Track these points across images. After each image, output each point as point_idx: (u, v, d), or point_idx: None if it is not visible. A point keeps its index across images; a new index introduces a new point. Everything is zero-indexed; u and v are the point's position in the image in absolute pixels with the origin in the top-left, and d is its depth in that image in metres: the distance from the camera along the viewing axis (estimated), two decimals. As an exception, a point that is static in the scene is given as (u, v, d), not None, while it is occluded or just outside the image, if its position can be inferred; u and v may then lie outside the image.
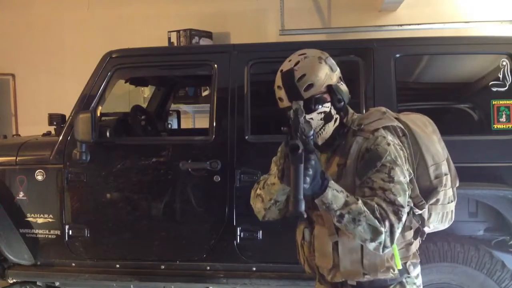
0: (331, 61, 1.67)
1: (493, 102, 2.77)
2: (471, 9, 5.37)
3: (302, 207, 1.36)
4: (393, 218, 1.51)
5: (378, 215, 1.50)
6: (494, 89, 2.79)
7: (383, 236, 1.50)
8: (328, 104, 1.63)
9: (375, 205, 1.51)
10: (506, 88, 2.78)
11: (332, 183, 1.49)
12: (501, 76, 2.79)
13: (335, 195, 1.48)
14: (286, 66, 1.66)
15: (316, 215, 1.68)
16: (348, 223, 1.49)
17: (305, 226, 1.74)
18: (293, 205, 1.37)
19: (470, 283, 2.64)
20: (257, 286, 2.92)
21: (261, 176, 2.77)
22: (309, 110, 1.60)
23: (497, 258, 2.66)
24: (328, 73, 1.63)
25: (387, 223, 1.50)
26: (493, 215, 2.90)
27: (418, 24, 5.19)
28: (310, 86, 1.60)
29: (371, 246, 1.52)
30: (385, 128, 1.67)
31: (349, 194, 1.52)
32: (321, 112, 1.62)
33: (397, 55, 2.85)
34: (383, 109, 1.78)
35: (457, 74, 3.05)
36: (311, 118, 1.60)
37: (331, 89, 1.63)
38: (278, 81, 1.65)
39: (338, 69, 1.68)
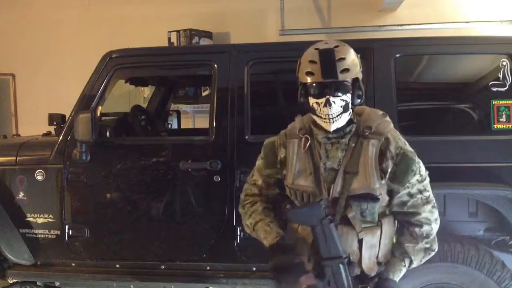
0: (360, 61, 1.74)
1: (493, 102, 2.77)
2: (471, 9, 5.37)
3: None
4: (434, 216, 1.78)
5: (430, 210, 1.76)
6: (494, 89, 2.79)
7: (434, 219, 1.78)
8: (350, 95, 1.67)
9: (423, 226, 1.76)
10: (506, 88, 2.77)
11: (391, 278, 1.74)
12: (501, 76, 2.78)
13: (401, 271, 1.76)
14: (323, 45, 1.68)
15: (338, 214, 1.71)
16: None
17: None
18: None
19: (470, 283, 2.63)
20: (257, 286, 2.92)
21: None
22: (337, 94, 1.63)
23: (497, 258, 2.65)
24: (359, 69, 1.69)
25: (433, 227, 1.78)
26: (493, 215, 2.90)
27: (418, 24, 5.19)
28: (346, 70, 1.64)
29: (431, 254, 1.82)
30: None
31: (406, 254, 1.77)
32: (343, 100, 1.65)
33: (397, 55, 2.85)
34: (379, 111, 1.84)
35: (457, 74, 3.05)
36: (334, 102, 1.64)
37: (357, 83, 1.68)
38: (313, 56, 1.65)
39: None
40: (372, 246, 1.72)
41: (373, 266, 1.74)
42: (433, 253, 1.79)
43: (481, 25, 5.16)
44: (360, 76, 1.70)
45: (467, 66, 2.99)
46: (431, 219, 1.76)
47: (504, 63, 2.78)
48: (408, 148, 1.75)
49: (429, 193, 1.76)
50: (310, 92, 1.67)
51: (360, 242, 1.70)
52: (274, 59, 3.10)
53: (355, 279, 1.71)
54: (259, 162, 1.94)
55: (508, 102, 2.76)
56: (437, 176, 2.61)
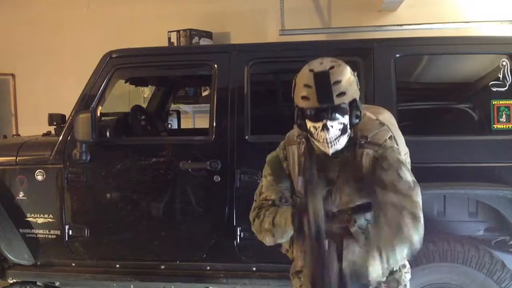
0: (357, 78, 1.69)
1: (493, 102, 2.77)
2: (471, 9, 5.37)
3: None
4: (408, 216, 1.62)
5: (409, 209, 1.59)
6: (494, 89, 2.79)
7: (417, 219, 1.59)
8: (347, 117, 1.63)
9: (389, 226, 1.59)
10: (506, 88, 2.77)
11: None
12: (501, 76, 2.78)
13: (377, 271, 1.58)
14: (317, 67, 1.62)
15: (339, 227, 1.70)
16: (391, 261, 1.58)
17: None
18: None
19: (470, 283, 2.64)
20: (257, 286, 2.92)
21: (260, 176, 2.79)
22: (334, 118, 1.60)
23: (497, 258, 2.65)
24: (356, 88, 1.65)
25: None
26: (493, 215, 2.90)
27: (418, 24, 5.19)
28: (342, 94, 1.59)
29: (412, 250, 1.61)
30: (389, 138, 1.73)
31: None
32: (341, 123, 1.62)
33: (397, 55, 2.85)
34: (377, 120, 1.81)
35: (457, 74, 3.05)
36: (332, 126, 1.61)
37: (355, 104, 1.64)
38: (308, 79, 1.60)
39: None
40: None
41: (379, 274, 1.69)
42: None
43: (481, 25, 5.15)
44: (357, 95, 1.66)
45: (467, 66, 2.99)
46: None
47: (504, 63, 2.78)
48: (395, 151, 1.70)
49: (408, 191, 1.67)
50: (307, 115, 1.63)
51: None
52: (274, 59, 3.10)
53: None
54: (267, 179, 1.86)
55: (508, 102, 2.76)
56: (437, 176, 2.64)
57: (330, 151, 1.65)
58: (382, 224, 1.57)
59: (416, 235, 1.56)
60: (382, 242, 1.54)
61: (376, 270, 1.56)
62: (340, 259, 1.69)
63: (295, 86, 1.67)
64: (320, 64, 1.63)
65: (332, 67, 1.61)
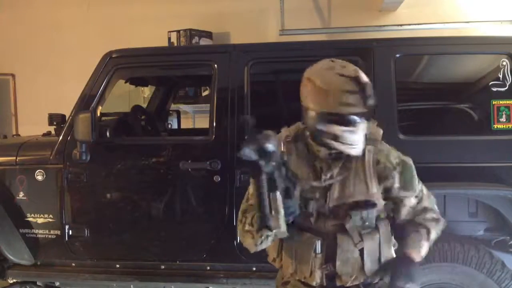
0: None
1: (493, 102, 2.77)
2: (471, 9, 5.37)
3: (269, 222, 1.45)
4: (432, 199, 1.84)
5: (432, 211, 1.80)
6: (494, 89, 2.79)
7: (441, 223, 1.82)
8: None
9: (432, 218, 1.79)
10: (506, 88, 2.78)
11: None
12: (501, 76, 2.78)
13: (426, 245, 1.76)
14: (351, 72, 1.62)
15: (332, 225, 1.71)
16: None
17: (315, 238, 1.71)
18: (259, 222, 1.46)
19: (470, 283, 2.64)
20: (257, 286, 2.92)
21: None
22: (367, 119, 1.65)
23: (497, 258, 2.65)
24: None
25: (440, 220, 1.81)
26: (493, 215, 2.90)
27: (418, 24, 5.19)
28: (371, 97, 1.64)
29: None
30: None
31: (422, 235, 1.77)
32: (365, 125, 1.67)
33: (397, 55, 2.85)
34: None
35: (457, 74, 3.05)
36: (362, 129, 1.65)
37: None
38: (350, 86, 1.59)
39: None
40: (373, 252, 1.72)
41: (378, 272, 1.73)
42: (441, 222, 1.82)
43: (481, 25, 5.16)
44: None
45: (467, 66, 2.99)
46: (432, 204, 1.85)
47: (504, 63, 2.78)
48: (403, 155, 1.78)
49: (423, 187, 1.82)
50: (340, 121, 1.60)
51: (361, 250, 1.70)
52: (274, 59, 3.10)
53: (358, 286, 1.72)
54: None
55: (508, 102, 2.76)
56: (437, 176, 2.63)
57: (354, 152, 1.66)
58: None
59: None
60: (428, 223, 1.79)
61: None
62: (333, 258, 1.69)
63: (326, 93, 1.61)
64: (344, 67, 1.64)
65: (355, 69, 1.65)
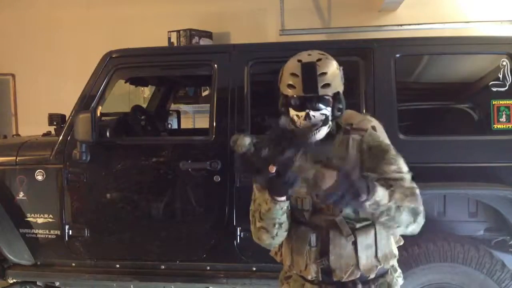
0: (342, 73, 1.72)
1: (493, 102, 2.77)
2: (471, 9, 5.38)
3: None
4: (418, 194, 1.62)
5: (412, 197, 1.58)
6: (494, 89, 2.79)
7: (421, 215, 1.59)
8: (330, 109, 1.66)
9: (405, 188, 1.58)
10: (506, 88, 2.78)
11: (373, 179, 1.52)
12: (501, 76, 2.79)
13: (381, 190, 1.50)
14: (305, 58, 1.67)
15: (325, 220, 1.70)
16: (394, 214, 1.53)
17: (310, 232, 1.71)
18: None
19: (470, 283, 2.64)
20: (257, 286, 2.92)
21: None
22: (317, 108, 1.63)
23: (497, 258, 2.65)
24: (340, 82, 1.69)
25: (419, 200, 1.60)
26: (493, 215, 2.90)
27: (418, 24, 5.19)
28: (327, 85, 1.63)
29: (411, 228, 1.60)
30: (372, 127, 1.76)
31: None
32: (323, 114, 1.65)
33: (397, 55, 2.85)
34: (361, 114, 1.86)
35: (457, 74, 3.05)
36: (314, 116, 1.64)
37: (337, 97, 1.67)
38: (295, 69, 1.65)
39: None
40: (368, 247, 1.70)
41: (372, 267, 1.71)
42: (417, 198, 1.61)
43: (481, 25, 5.16)
44: (341, 89, 1.69)
45: (467, 66, 2.99)
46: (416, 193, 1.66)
47: (504, 63, 2.78)
48: (385, 141, 1.73)
49: (409, 182, 1.65)
50: (291, 104, 1.67)
51: (354, 244, 1.69)
52: (274, 59, 3.08)
53: (354, 283, 1.70)
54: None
55: (508, 102, 2.76)
56: (437, 176, 2.64)
57: (309, 140, 1.66)
58: (394, 189, 1.58)
59: (420, 211, 1.59)
60: (396, 196, 1.55)
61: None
62: (326, 253, 1.69)
63: (282, 75, 1.72)
64: (308, 55, 1.68)
65: (319, 59, 1.65)
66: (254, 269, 2.92)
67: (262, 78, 3.46)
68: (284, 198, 1.60)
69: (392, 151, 1.68)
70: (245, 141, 1.48)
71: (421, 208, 1.60)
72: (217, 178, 2.89)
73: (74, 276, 3.07)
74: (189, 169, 2.91)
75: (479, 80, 2.94)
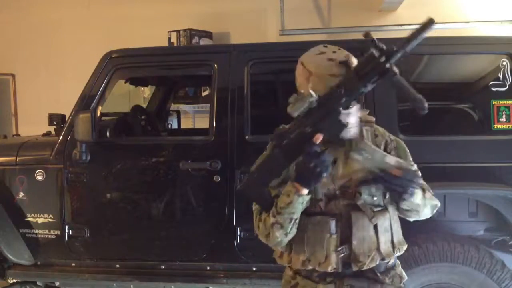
0: None
1: (493, 102, 2.77)
2: (471, 9, 5.38)
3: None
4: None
5: (431, 192, 1.73)
6: (494, 89, 2.79)
7: (437, 208, 1.75)
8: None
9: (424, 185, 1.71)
10: (506, 88, 2.78)
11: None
12: (501, 76, 2.79)
13: (418, 191, 1.64)
14: (341, 57, 1.70)
15: (344, 205, 1.69)
16: (421, 209, 1.69)
17: (328, 219, 1.68)
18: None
19: (470, 283, 2.64)
20: (257, 286, 2.92)
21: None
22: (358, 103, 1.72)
23: (497, 258, 2.65)
24: None
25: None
26: (493, 215, 2.90)
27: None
28: None
29: (423, 218, 1.75)
30: None
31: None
32: None
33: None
34: None
35: (457, 74, 3.05)
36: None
37: None
38: (336, 70, 1.67)
39: None
40: (385, 230, 1.71)
41: (389, 252, 1.71)
42: (436, 203, 1.76)
43: (481, 25, 5.16)
44: None
45: (467, 66, 2.99)
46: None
47: (504, 63, 2.78)
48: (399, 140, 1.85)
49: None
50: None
51: (375, 227, 1.69)
52: (274, 59, 3.10)
53: (374, 272, 1.70)
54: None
55: (508, 102, 2.76)
56: (437, 176, 2.63)
57: (350, 135, 1.67)
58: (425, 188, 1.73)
59: (437, 207, 1.76)
60: (426, 195, 1.71)
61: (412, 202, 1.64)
62: (348, 240, 1.67)
63: (315, 77, 1.68)
64: (334, 52, 1.71)
65: (348, 55, 1.72)
66: (254, 269, 2.92)
67: (262, 78, 3.47)
68: (307, 191, 1.61)
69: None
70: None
71: (438, 203, 1.75)
72: (217, 178, 2.89)
73: (74, 276, 3.07)
74: (189, 169, 2.91)
75: (479, 80, 2.94)
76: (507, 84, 2.78)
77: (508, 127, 2.75)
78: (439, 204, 1.75)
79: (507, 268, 2.63)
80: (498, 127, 2.76)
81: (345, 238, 1.68)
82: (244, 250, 2.91)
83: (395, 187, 1.58)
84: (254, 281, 2.90)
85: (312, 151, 1.55)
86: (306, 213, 1.68)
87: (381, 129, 1.81)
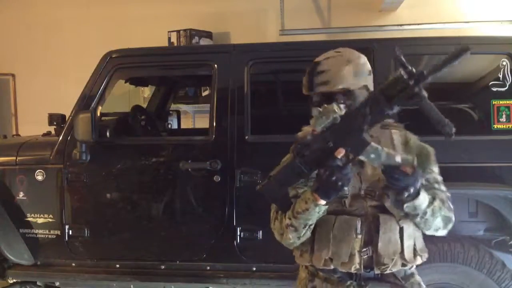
0: (362, 67, 1.80)
1: (493, 102, 2.77)
2: (471, 9, 5.37)
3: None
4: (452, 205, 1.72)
5: (448, 205, 1.69)
6: (494, 89, 2.79)
7: (452, 224, 1.70)
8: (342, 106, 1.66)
9: (443, 196, 1.69)
10: (506, 88, 2.78)
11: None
12: (501, 76, 2.79)
13: (423, 195, 1.57)
14: (319, 57, 1.76)
15: (371, 206, 1.68)
16: (429, 217, 1.63)
17: (356, 219, 1.67)
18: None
19: (470, 283, 2.64)
20: (257, 286, 2.92)
21: (260, 176, 2.78)
22: (316, 104, 1.69)
23: (497, 258, 2.65)
24: (349, 76, 1.74)
25: (452, 209, 1.70)
26: (493, 215, 2.90)
27: (418, 24, 5.19)
28: (326, 83, 1.69)
29: (440, 233, 1.71)
30: None
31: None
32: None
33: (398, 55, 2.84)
34: None
35: (457, 74, 3.05)
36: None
37: (347, 93, 1.73)
38: (309, 68, 1.75)
39: (369, 76, 1.83)
40: (409, 236, 1.69)
41: (412, 257, 1.69)
42: (451, 216, 1.72)
43: (481, 25, 5.15)
44: (353, 87, 1.75)
45: (467, 66, 2.99)
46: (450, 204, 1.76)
47: (504, 63, 2.78)
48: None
49: (444, 188, 1.78)
50: (311, 102, 1.76)
51: (401, 230, 1.67)
52: (274, 59, 3.10)
53: (395, 276, 1.69)
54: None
55: (508, 102, 2.76)
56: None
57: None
58: (436, 196, 1.68)
59: (453, 221, 1.72)
60: (435, 203, 1.64)
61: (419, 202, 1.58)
62: (371, 241, 1.65)
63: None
64: (324, 55, 1.78)
65: (328, 58, 1.73)
66: (254, 269, 2.91)
67: (262, 78, 3.47)
68: (325, 202, 1.58)
69: (435, 158, 1.80)
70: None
71: (453, 218, 1.71)
72: (217, 178, 2.89)
73: (74, 276, 3.07)
74: (189, 169, 2.91)
75: (479, 80, 2.94)
76: (507, 84, 2.78)
77: (508, 127, 2.75)
78: (453, 219, 1.70)
79: (507, 268, 2.63)
80: (498, 127, 2.76)
81: (369, 239, 1.66)
82: (244, 250, 2.91)
83: (398, 184, 1.52)
84: (254, 281, 2.90)
85: (335, 165, 1.51)
86: (330, 210, 1.66)
87: (411, 136, 1.85)
